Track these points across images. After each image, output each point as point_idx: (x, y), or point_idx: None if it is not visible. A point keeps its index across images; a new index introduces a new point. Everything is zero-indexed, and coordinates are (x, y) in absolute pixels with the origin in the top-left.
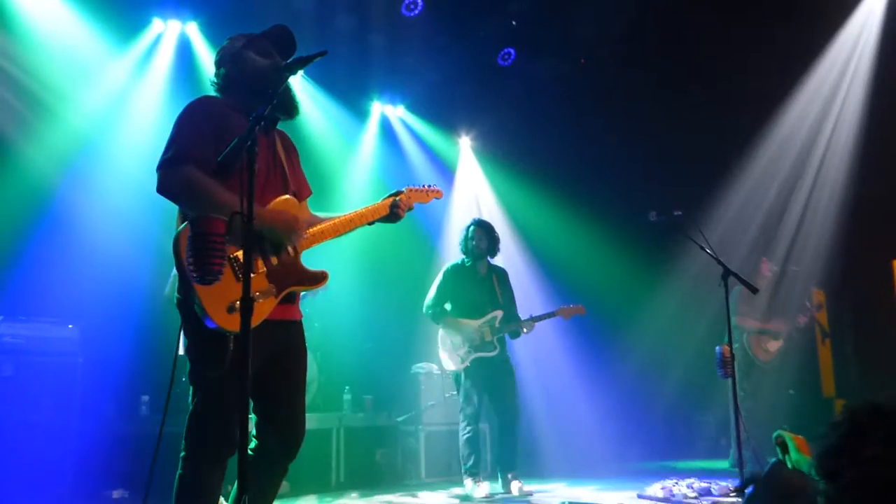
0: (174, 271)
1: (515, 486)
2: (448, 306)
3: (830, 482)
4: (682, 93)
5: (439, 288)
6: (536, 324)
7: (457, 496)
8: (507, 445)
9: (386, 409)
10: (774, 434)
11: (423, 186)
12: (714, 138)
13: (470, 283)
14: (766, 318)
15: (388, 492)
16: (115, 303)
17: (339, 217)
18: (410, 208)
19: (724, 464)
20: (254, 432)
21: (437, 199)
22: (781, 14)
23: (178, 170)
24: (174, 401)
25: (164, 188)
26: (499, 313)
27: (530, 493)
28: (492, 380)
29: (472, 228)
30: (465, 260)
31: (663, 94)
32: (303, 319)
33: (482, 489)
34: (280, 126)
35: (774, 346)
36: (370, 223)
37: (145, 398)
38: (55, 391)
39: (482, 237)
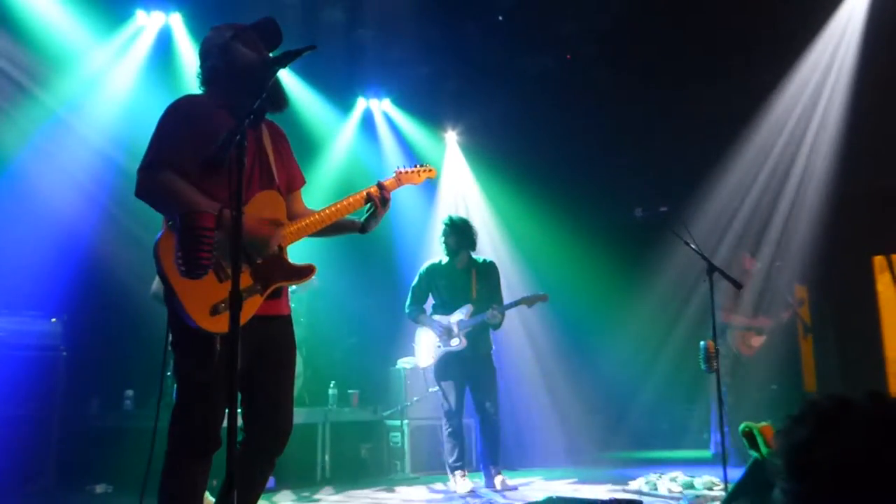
0: None
1: (499, 480)
2: (431, 304)
3: (801, 477)
4: (668, 90)
5: (414, 289)
6: (507, 312)
7: (442, 490)
8: (488, 440)
9: (371, 404)
10: (741, 427)
11: (415, 167)
12: (699, 135)
13: (445, 281)
14: (749, 313)
15: (374, 486)
16: (98, 297)
17: (324, 210)
18: (384, 197)
19: (705, 453)
20: (242, 426)
21: (430, 178)
22: (766, 12)
23: (154, 175)
24: (163, 395)
25: (141, 192)
26: (469, 308)
27: (514, 488)
28: (469, 374)
29: (442, 227)
30: (444, 258)
31: (649, 90)
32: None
33: (466, 484)
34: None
35: (757, 341)
36: (366, 227)
37: (129, 393)
38: (38, 385)
39: (450, 234)
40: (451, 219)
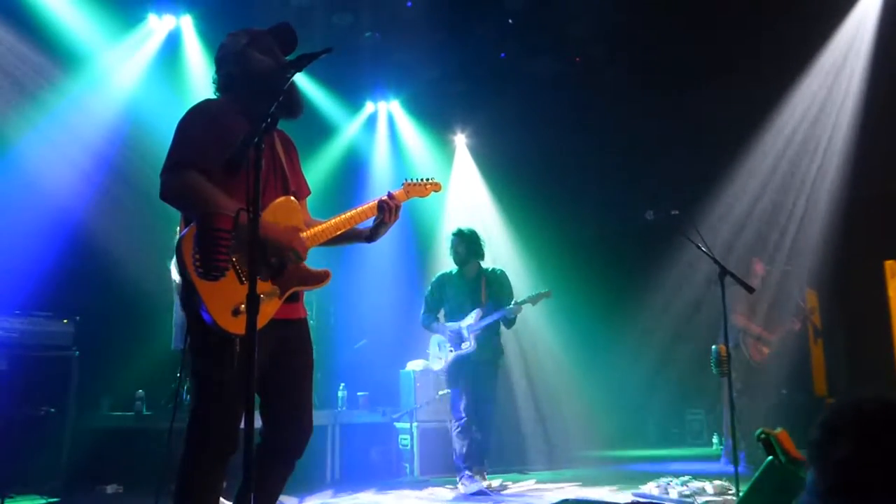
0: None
1: (485, 483)
2: (442, 313)
3: (848, 494)
4: (679, 92)
5: (426, 299)
6: (525, 306)
7: (450, 492)
8: (477, 443)
9: (381, 407)
10: (756, 433)
11: (421, 180)
12: (711, 138)
13: (454, 289)
14: (758, 322)
15: (383, 489)
16: (110, 298)
17: (337, 217)
18: (397, 206)
19: (711, 451)
20: (260, 429)
21: (435, 191)
22: (778, 14)
23: (179, 176)
24: (170, 397)
25: (166, 194)
26: (478, 311)
27: (504, 487)
28: (472, 376)
29: (450, 238)
30: (454, 268)
31: (659, 93)
32: None
33: (472, 485)
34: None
35: (766, 349)
36: (373, 236)
37: (140, 393)
38: (50, 385)
39: (459, 245)
40: (459, 230)
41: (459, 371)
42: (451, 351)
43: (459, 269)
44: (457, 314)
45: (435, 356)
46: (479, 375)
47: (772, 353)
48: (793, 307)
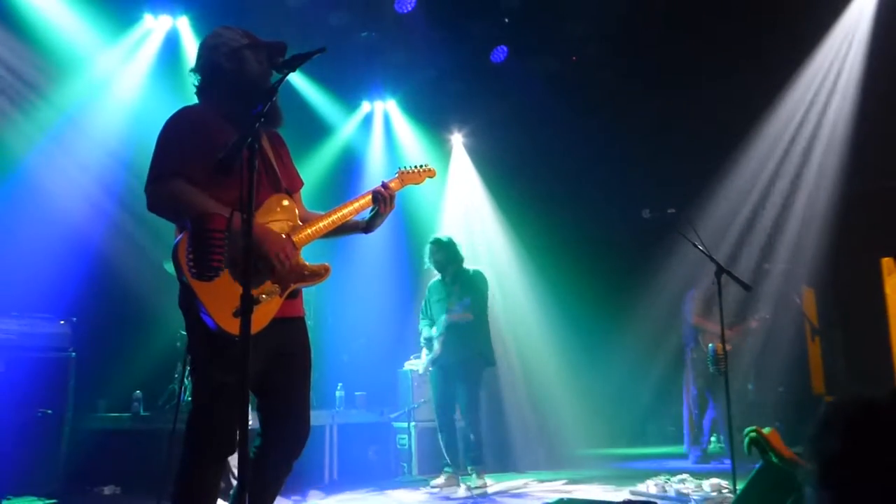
0: None
1: (483, 480)
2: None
3: (836, 487)
4: (674, 91)
5: (422, 309)
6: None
7: (446, 492)
8: (463, 441)
9: (379, 406)
10: (746, 430)
11: (415, 167)
12: (707, 136)
13: (436, 296)
14: (708, 319)
15: (381, 488)
16: (107, 299)
17: (333, 210)
18: (392, 195)
19: (715, 448)
20: (258, 429)
21: (430, 178)
22: (773, 13)
23: (164, 187)
24: (168, 398)
25: (153, 205)
26: (445, 318)
27: (502, 487)
28: (451, 381)
29: (427, 248)
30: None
31: (655, 92)
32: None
33: (440, 480)
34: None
35: (727, 346)
36: (370, 227)
37: (137, 394)
38: (47, 386)
39: (434, 252)
40: (436, 238)
41: (433, 373)
42: (429, 355)
43: (441, 275)
44: (438, 321)
45: (422, 359)
46: (449, 377)
47: (730, 353)
48: (791, 304)
